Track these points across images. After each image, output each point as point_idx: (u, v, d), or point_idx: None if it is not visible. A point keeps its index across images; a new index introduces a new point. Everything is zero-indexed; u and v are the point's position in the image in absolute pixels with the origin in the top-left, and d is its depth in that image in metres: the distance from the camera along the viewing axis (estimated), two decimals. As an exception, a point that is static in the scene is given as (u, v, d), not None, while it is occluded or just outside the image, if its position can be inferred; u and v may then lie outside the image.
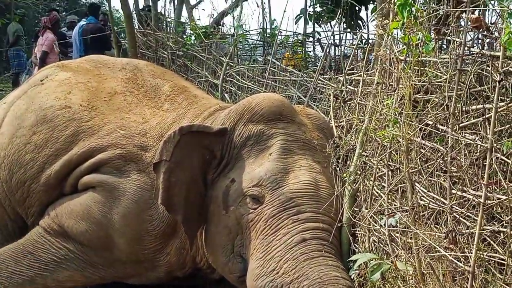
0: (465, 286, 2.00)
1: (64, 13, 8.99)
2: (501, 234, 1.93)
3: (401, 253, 2.36)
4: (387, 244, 2.41)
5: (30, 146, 3.22)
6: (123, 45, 7.13)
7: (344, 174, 2.73)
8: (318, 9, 6.90)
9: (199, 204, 2.76)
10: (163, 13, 7.58)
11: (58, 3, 10.03)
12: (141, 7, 7.93)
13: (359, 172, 2.70)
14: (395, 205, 2.44)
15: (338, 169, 2.81)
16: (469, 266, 1.90)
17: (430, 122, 2.35)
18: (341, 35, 6.23)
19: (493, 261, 1.93)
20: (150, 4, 7.71)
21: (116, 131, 3.10)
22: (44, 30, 7.14)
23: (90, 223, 2.94)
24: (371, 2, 6.09)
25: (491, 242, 1.95)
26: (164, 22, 7.32)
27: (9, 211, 3.40)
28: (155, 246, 2.98)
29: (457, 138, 2.16)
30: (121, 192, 2.93)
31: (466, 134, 2.17)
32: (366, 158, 2.71)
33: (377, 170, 2.56)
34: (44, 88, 3.44)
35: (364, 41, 5.11)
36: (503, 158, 1.95)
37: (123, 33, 7.47)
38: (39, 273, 3.01)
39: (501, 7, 2.17)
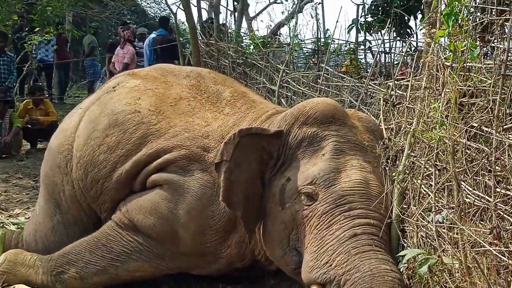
0: (509, 279, 2.10)
1: (134, 25, 9.71)
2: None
3: (447, 248, 2.47)
4: (434, 240, 2.52)
5: (103, 147, 3.45)
6: (188, 55, 7.60)
7: (393, 174, 2.86)
8: (369, 19, 7.28)
9: (257, 201, 2.96)
10: (224, 24, 8.05)
11: (129, 17, 10.72)
12: (204, 19, 8.48)
13: (407, 172, 2.81)
14: (442, 202, 2.55)
15: (387, 168, 2.94)
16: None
17: (475, 124, 2.45)
18: (391, 43, 6.51)
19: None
20: (213, 16, 8.24)
21: (181, 134, 3.31)
22: (124, 43, 7.77)
23: (157, 218, 3.18)
24: (419, 12, 6.28)
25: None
26: (225, 33, 7.70)
27: (85, 207, 3.64)
28: (217, 240, 3.19)
29: (501, 139, 2.27)
30: (186, 189, 3.15)
31: (510, 136, 2.28)
32: (414, 158, 2.81)
33: (425, 169, 2.67)
34: (116, 94, 3.68)
35: (412, 48, 5.26)
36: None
37: (188, 44, 7.99)
38: (111, 263, 3.28)
39: None
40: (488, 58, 2.74)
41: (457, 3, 2.49)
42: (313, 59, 7.13)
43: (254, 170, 2.97)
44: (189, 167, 3.21)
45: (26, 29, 8.77)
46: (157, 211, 3.21)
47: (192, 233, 3.19)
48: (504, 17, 2.39)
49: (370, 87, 4.14)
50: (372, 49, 7.20)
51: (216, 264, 3.34)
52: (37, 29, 8.66)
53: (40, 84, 8.82)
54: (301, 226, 2.75)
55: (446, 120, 2.48)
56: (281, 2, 9.29)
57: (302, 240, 2.74)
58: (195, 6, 7.21)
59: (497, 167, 2.28)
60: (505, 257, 2.09)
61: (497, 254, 2.13)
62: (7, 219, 4.96)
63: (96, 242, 3.37)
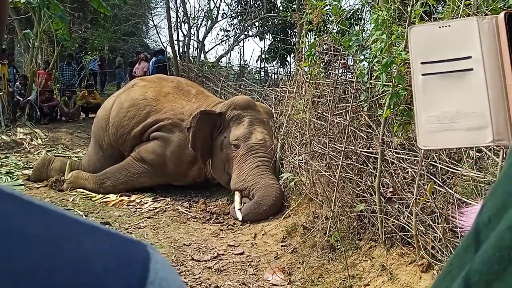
0: (332, 189, 4.27)
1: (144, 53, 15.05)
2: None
3: (303, 173, 4.53)
4: (297, 169, 4.64)
5: (127, 118, 5.56)
6: (172, 70, 11.43)
7: (278, 135, 5.08)
8: (267, 55, 12.47)
9: (208, 147, 5.11)
10: (192, 56, 13.34)
11: (139, 48, 17.00)
12: (181, 51, 13.21)
13: (285, 135, 5.02)
14: (302, 151, 4.71)
15: (275, 133, 5.16)
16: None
17: (320, 111, 4.59)
18: (278, 68, 11.13)
19: None
20: (185, 50, 13.52)
21: (168, 111, 5.42)
22: (140, 61, 12.81)
23: (155, 155, 5.29)
24: (293, 53, 9.66)
25: None
26: (192, 59, 12.89)
27: (115, 148, 5.76)
28: (187, 167, 5.33)
29: (332, 119, 4.50)
30: (171, 141, 5.28)
31: (337, 118, 4.59)
32: (289, 128, 5.03)
33: (294, 133, 4.87)
34: (134, 89, 5.82)
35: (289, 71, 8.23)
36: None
37: (172, 64, 12.13)
38: (130, 178, 5.35)
39: (354, 58, 4.56)
40: (327, 78, 4.75)
41: (313, 49, 4.71)
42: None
43: (207, 131, 5.12)
44: (172, 129, 5.34)
45: (83, 51, 14.80)
46: (155, 151, 5.31)
47: (174, 163, 5.32)
48: (336, 58, 4.61)
49: (268, 91, 6.49)
50: (268, 71, 12.06)
51: (186, 179, 5.49)
52: (89, 52, 14.93)
53: (91, 83, 13.69)
54: (231, 160, 4.93)
55: (305, 108, 4.65)
56: (222, 45, 15.03)
57: (231, 168, 4.91)
58: (176, 44, 11.94)
59: (330, 133, 4.26)
60: (332, 177, 3.96)
61: (328, 176, 4.05)
62: (72, 154, 8.15)
63: (121, 167, 5.47)
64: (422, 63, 0.57)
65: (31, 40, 11.16)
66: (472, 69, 0.56)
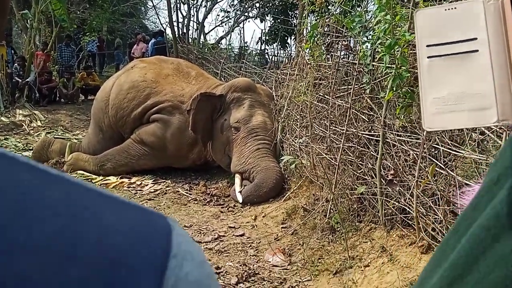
0: (333, 172, 4.20)
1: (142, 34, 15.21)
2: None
3: (304, 155, 4.52)
4: (298, 151, 4.63)
5: (126, 99, 5.50)
6: (172, 52, 11.13)
7: (279, 118, 5.06)
8: (267, 37, 12.22)
9: (209, 130, 5.09)
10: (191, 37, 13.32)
11: (138, 29, 17.13)
12: (180, 32, 12.85)
13: (285, 117, 5.00)
14: (302, 133, 4.68)
15: (275, 115, 5.14)
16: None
17: (321, 94, 4.56)
18: (279, 50, 10.75)
19: None
20: (185, 31, 13.28)
21: (168, 94, 5.37)
22: (138, 42, 12.80)
23: (155, 137, 5.26)
24: (294, 34, 9.67)
25: None
26: (192, 40, 12.77)
27: (115, 131, 5.72)
28: (187, 149, 5.31)
29: (334, 101, 4.43)
30: (171, 123, 5.24)
31: (338, 100, 4.55)
32: (289, 111, 4.99)
33: (295, 116, 4.85)
34: (133, 70, 5.74)
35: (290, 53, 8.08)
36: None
37: (171, 46, 11.77)
38: (130, 161, 5.33)
39: (357, 40, 4.49)
40: (329, 60, 4.77)
41: (314, 30, 4.65)
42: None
43: (207, 114, 5.08)
44: (172, 111, 5.31)
45: (81, 32, 14.30)
46: (155, 134, 5.29)
47: (174, 145, 5.30)
48: (338, 39, 4.57)
49: (268, 73, 6.41)
50: (269, 53, 11.82)
51: (186, 162, 5.49)
52: (87, 33, 14.28)
53: (90, 64, 13.67)
54: (231, 143, 4.92)
55: (306, 91, 4.62)
56: (222, 26, 14.87)
57: (231, 150, 4.91)
58: (175, 26, 11.53)
59: (331, 116, 4.22)
60: (332, 160, 3.93)
61: (328, 159, 4.03)
62: (72, 136, 8.13)
63: (121, 150, 5.44)
64: (428, 45, 0.57)
65: (29, 21, 11.03)
66: (477, 51, 0.55)
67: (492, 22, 0.56)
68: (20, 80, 10.09)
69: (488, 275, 0.30)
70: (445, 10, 0.59)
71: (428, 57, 0.60)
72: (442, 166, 2.74)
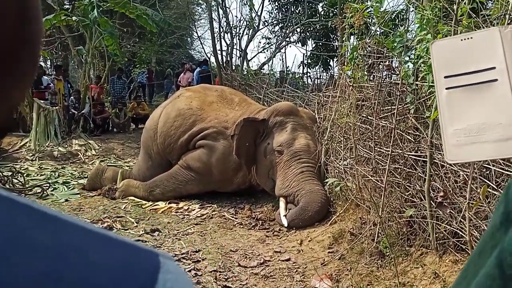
0: (380, 194, 4.10)
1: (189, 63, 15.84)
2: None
3: (349, 178, 4.46)
4: (343, 173, 4.58)
5: (173, 127, 5.75)
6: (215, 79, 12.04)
7: (322, 141, 5.03)
8: (309, 61, 12.82)
9: (252, 154, 5.14)
10: (234, 64, 13.81)
11: (184, 60, 17.92)
12: (224, 60, 13.72)
13: (329, 139, 4.95)
14: (346, 155, 4.63)
15: (319, 138, 5.11)
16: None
17: (364, 115, 4.47)
18: (321, 73, 11.19)
19: None
20: (228, 59, 13.94)
21: (213, 120, 5.54)
22: (186, 71, 13.03)
23: (201, 163, 5.41)
24: (336, 57, 9.80)
25: None
26: (236, 68, 13.31)
27: (163, 157, 5.97)
28: (231, 174, 5.40)
29: (378, 123, 4.23)
30: (216, 149, 5.37)
31: (382, 121, 4.44)
32: (332, 133, 4.95)
33: (338, 138, 4.81)
34: (179, 99, 6.02)
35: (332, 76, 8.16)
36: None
37: (215, 74, 12.46)
38: (177, 186, 5.50)
39: (399, 60, 4.44)
40: (371, 81, 4.72)
41: (355, 53, 4.63)
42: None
43: (251, 139, 5.16)
44: (217, 137, 5.45)
45: (132, 65, 15.53)
46: (201, 159, 5.44)
47: (219, 171, 5.42)
48: (379, 60, 4.52)
49: (310, 96, 6.44)
50: (311, 76, 12.19)
51: (231, 186, 5.58)
52: (138, 65, 15.73)
53: (140, 94, 14.55)
54: (275, 167, 4.94)
55: (349, 113, 4.56)
56: (264, 52, 15.26)
57: (275, 174, 4.92)
58: (219, 54, 12.25)
59: (375, 137, 4.17)
60: (379, 182, 3.86)
61: (374, 181, 3.96)
62: (124, 164, 8.58)
63: (169, 175, 5.64)
64: (445, 77, 0.57)
65: (83, 56, 11.79)
66: (496, 80, 0.54)
67: (510, 50, 0.55)
68: (76, 112, 10.73)
69: None
70: (462, 40, 0.59)
71: (446, 88, 0.60)
72: (495, 187, 2.62)
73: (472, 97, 0.58)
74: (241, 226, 4.92)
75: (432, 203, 3.17)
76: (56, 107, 10.07)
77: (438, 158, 3.19)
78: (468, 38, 0.59)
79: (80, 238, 0.33)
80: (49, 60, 17.21)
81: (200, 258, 4.01)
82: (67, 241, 0.32)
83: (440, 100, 0.60)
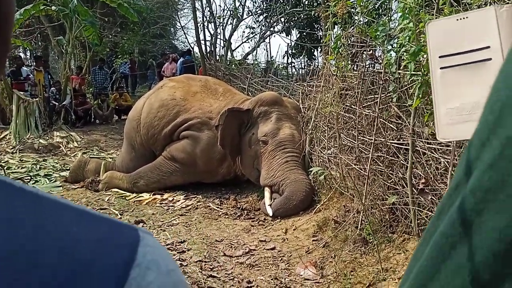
0: (363, 182, 4.12)
1: (172, 54, 15.56)
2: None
3: (333, 166, 4.48)
4: (327, 162, 4.61)
5: (156, 118, 5.67)
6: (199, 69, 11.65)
7: (306, 130, 5.05)
8: (294, 51, 12.83)
9: (237, 145, 5.13)
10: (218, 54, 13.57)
11: (168, 51, 17.56)
12: (208, 50, 13.34)
13: (313, 129, 4.98)
14: (330, 144, 4.65)
15: (303, 127, 5.13)
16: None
17: (348, 104, 4.51)
18: (305, 63, 11.16)
19: None
20: (212, 49, 13.57)
21: (197, 111, 5.48)
22: (171, 61, 12.97)
23: (185, 153, 5.34)
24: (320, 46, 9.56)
25: None
26: (220, 57, 13.06)
27: (147, 148, 5.89)
28: (216, 164, 5.37)
29: (361, 111, 4.39)
30: (200, 139, 5.32)
31: (365, 110, 4.49)
32: (316, 122, 4.97)
33: (322, 127, 4.83)
34: (163, 90, 5.93)
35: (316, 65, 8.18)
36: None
37: (199, 64, 12.27)
38: (161, 177, 5.44)
39: (382, 49, 4.47)
40: (355, 70, 4.72)
41: (339, 42, 4.64)
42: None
43: (235, 129, 5.14)
44: (201, 128, 5.40)
45: (114, 55, 15.46)
46: (185, 150, 5.39)
47: (204, 161, 5.38)
48: (363, 49, 4.53)
49: (295, 86, 6.44)
50: (295, 66, 12.30)
51: (216, 177, 5.55)
52: (120, 56, 15.58)
53: (122, 85, 14.31)
54: (259, 157, 4.94)
55: (333, 102, 4.58)
56: (248, 42, 15.08)
57: (260, 164, 4.93)
58: (203, 44, 11.79)
59: (358, 126, 4.18)
60: (362, 170, 3.87)
61: (358, 169, 3.98)
62: (107, 155, 8.45)
63: (153, 166, 5.59)
64: (440, 56, 0.57)
65: (64, 46, 11.56)
66: (490, 59, 0.54)
67: (505, 29, 0.55)
68: (57, 104, 10.55)
69: (448, 285, 0.30)
70: (457, 20, 0.59)
71: (440, 68, 0.60)
72: (475, 173, 2.65)
73: (466, 76, 0.58)
74: (226, 216, 4.92)
75: (414, 190, 3.22)
76: (37, 99, 9.88)
77: (419, 146, 3.24)
78: (463, 18, 0.59)
79: (60, 213, 0.34)
80: (28, 51, 16.86)
81: (185, 248, 4.01)
82: (46, 216, 0.33)
83: (434, 80, 0.60)
